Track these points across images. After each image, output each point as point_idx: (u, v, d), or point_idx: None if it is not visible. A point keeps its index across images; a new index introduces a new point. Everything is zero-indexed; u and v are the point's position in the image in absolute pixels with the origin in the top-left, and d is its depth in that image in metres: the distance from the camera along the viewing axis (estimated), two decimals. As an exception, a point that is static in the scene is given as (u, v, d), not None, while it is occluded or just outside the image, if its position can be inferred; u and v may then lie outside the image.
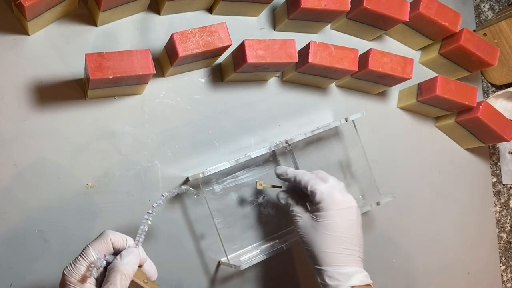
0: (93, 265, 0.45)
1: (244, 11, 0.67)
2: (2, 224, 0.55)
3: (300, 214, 0.58)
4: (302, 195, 0.61)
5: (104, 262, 0.46)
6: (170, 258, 0.62)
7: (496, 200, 0.87)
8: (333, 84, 0.74)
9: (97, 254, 0.46)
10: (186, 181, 0.63)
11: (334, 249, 0.54)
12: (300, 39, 0.68)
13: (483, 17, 0.88)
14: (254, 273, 0.67)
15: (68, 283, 0.45)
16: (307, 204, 0.59)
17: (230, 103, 0.66)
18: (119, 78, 0.52)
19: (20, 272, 0.56)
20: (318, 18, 0.67)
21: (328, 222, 0.55)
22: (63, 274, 0.45)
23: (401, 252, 0.77)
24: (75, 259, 0.46)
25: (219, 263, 0.65)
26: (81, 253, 0.46)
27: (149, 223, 0.50)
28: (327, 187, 0.57)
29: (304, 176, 0.59)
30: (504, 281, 0.87)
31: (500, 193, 0.88)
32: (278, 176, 0.63)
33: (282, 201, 0.62)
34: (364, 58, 0.68)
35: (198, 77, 0.65)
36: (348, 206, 0.56)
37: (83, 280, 0.45)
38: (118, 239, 0.48)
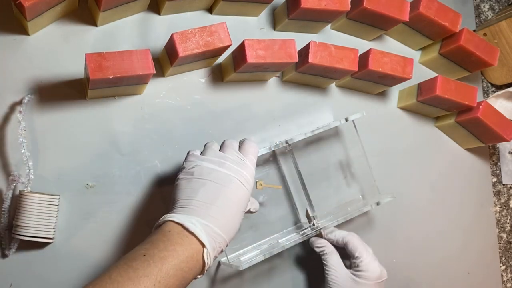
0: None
1: (244, 11, 0.67)
2: (2, 224, 0.55)
3: (336, 269, 0.63)
4: (337, 248, 0.66)
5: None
6: (170, 258, 0.62)
7: (496, 200, 0.87)
8: (333, 84, 0.74)
9: None
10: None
11: None
12: (300, 39, 0.68)
13: (483, 17, 0.88)
14: (254, 273, 0.67)
15: None
16: (346, 261, 0.65)
17: (230, 103, 0.66)
18: (119, 78, 0.52)
19: (21, 272, 0.56)
20: (318, 18, 0.67)
21: None
22: None
23: (401, 252, 0.77)
24: None
25: (219, 263, 0.64)
26: None
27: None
28: (371, 259, 0.63)
29: (353, 238, 0.64)
30: (504, 281, 0.87)
31: (500, 193, 0.87)
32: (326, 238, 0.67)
33: (317, 249, 0.66)
34: (364, 58, 0.68)
35: (198, 77, 0.65)
36: (384, 279, 0.63)
37: None
38: None
